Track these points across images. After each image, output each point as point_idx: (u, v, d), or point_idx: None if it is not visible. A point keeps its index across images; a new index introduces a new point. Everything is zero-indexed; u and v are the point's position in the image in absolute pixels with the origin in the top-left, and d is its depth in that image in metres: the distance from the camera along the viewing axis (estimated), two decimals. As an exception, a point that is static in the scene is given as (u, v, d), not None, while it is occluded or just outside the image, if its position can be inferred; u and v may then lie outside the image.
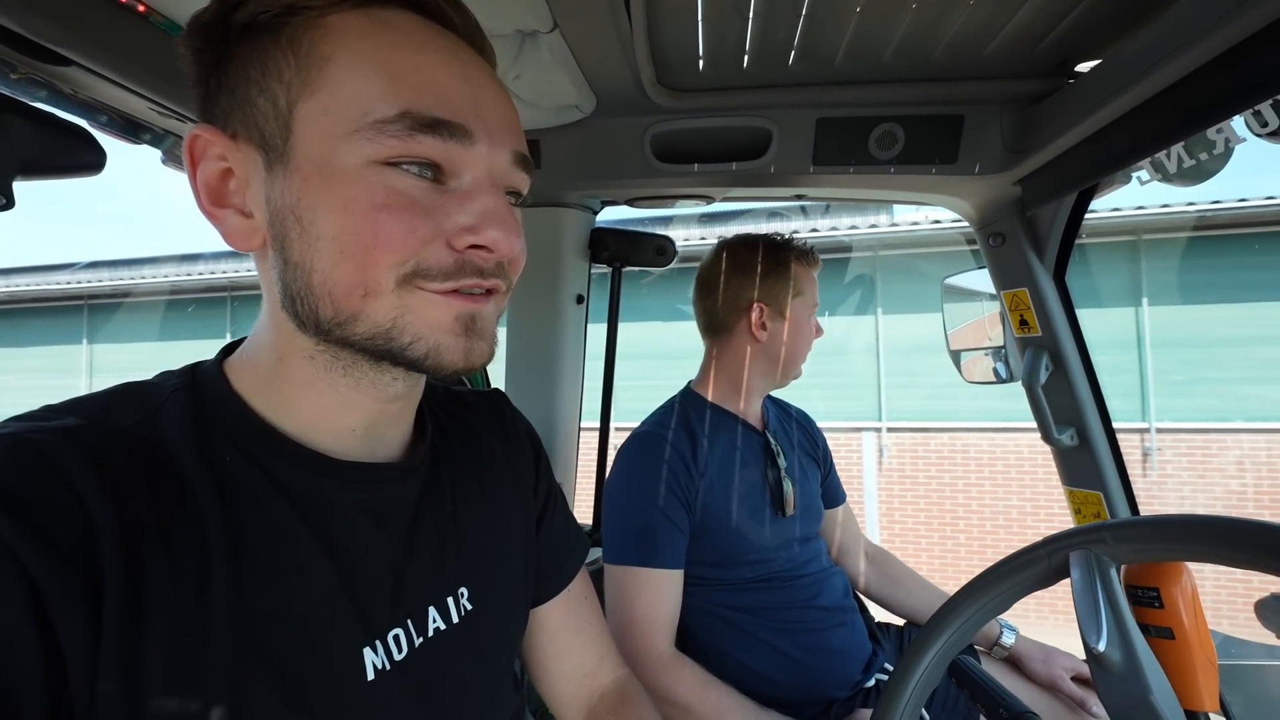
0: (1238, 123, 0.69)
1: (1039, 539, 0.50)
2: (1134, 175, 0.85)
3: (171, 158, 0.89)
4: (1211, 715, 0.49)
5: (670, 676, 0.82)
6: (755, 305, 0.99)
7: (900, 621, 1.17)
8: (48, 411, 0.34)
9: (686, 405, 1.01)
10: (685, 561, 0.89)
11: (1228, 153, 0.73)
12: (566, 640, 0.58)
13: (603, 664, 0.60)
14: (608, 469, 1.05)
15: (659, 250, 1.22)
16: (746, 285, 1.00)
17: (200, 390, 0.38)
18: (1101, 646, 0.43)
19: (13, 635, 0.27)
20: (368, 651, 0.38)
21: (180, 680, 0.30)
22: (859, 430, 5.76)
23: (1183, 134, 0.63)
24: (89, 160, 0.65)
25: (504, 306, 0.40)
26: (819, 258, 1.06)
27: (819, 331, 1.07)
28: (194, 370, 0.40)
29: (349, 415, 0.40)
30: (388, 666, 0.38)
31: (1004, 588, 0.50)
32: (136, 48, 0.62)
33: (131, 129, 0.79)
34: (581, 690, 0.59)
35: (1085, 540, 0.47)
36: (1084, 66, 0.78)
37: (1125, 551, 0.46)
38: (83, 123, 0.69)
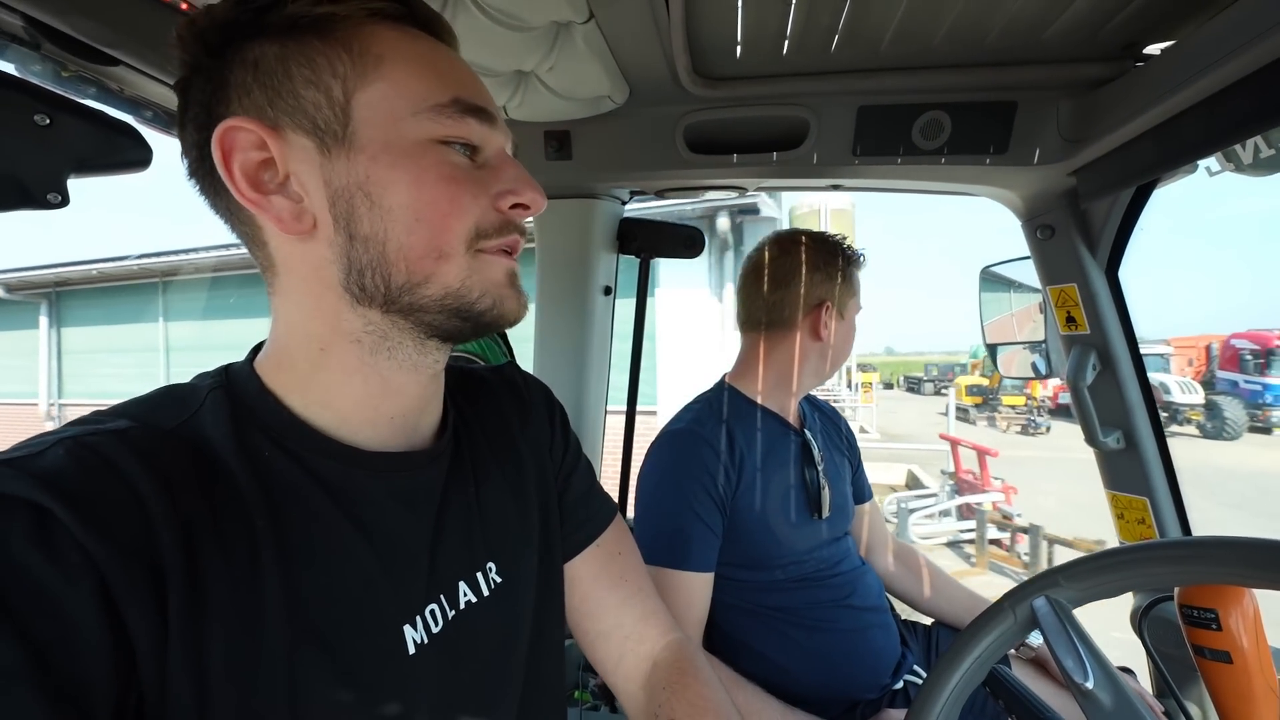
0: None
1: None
2: (1201, 166, 0.79)
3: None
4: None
5: None
6: (826, 303, 0.98)
7: (928, 621, 1.15)
8: (99, 416, 0.36)
9: (725, 402, 0.99)
10: (716, 563, 0.89)
11: (1311, 142, 0.68)
12: (599, 597, 0.56)
13: (647, 627, 0.56)
14: (633, 454, 1.05)
15: (688, 241, 1.20)
16: (821, 283, 0.98)
17: (235, 390, 0.40)
18: (1091, 685, 0.43)
19: (84, 624, 0.28)
20: (408, 628, 0.40)
21: (240, 662, 0.32)
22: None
23: (1265, 124, 0.58)
24: (136, 156, 0.66)
25: None
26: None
27: None
28: (227, 371, 0.42)
29: (389, 401, 0.42)
30: (426, 640, 0.41)
31: (979, 653, 0.49)
32: None
33: (173, 123, 0.81)
34: (627, 655, 0.55)
35: (1042, 587, 0.47)
36: (1154, 49, 0.73)
37: (1082, 590, 0.46)
38: (129, 119, 0.71)
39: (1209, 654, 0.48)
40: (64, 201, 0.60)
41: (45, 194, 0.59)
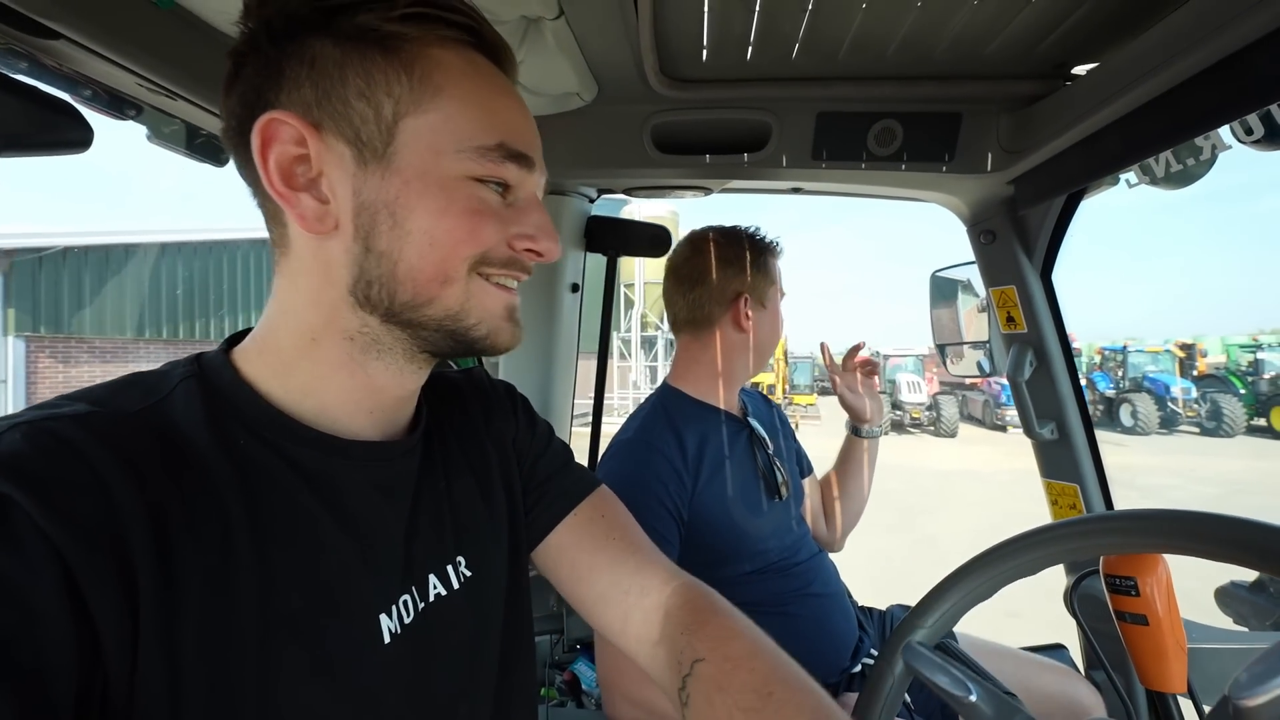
0: (1224, 131, 0.71)
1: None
2: (1122, 178, 0.87)
3: (158, 134, 0.86)
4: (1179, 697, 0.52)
5: (658, 688, 0.83)
6: (742, 296, 0.99)
7: (883, 607, 1.21)
8: (58, 401, 0.35)
9: (668, 404, 1.00)
10: (679, 566, 0.89)
11: (1213, 159, 0.76)
12: (587, 560, 0.53)
13: (646, 577, 0.52)
14: (600, 449, 1.06)
15: (654, 240, 1.22)
16: (734, 277, 1.00)
17: (208, 379, 0.39)
18: (973, 698, 0.47)
19: (47, 613, 0.27)
20: (384, 617, 0.40)
21: (213, 648, 0.32)
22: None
23: (1175, 139, 0.65)
24: (75, 137, 0.63)
25: None
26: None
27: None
28: (199, 360, 0.41)
29: (371, 398, 0.43)
30: (399, 630, 0.41)
31: (880, 710, 0.54)
32: (126, 22, 0.60)
33: (116, 104, 0.77)
34: (632, 612, 0.51)
35: (902, 637, 0.53)
36: (1081, 70, 0.80)
37: (932, 626, 0.53)
38: (66, 97, 0.67)
39: (1129, 618, 0.52)
40: None
41: None
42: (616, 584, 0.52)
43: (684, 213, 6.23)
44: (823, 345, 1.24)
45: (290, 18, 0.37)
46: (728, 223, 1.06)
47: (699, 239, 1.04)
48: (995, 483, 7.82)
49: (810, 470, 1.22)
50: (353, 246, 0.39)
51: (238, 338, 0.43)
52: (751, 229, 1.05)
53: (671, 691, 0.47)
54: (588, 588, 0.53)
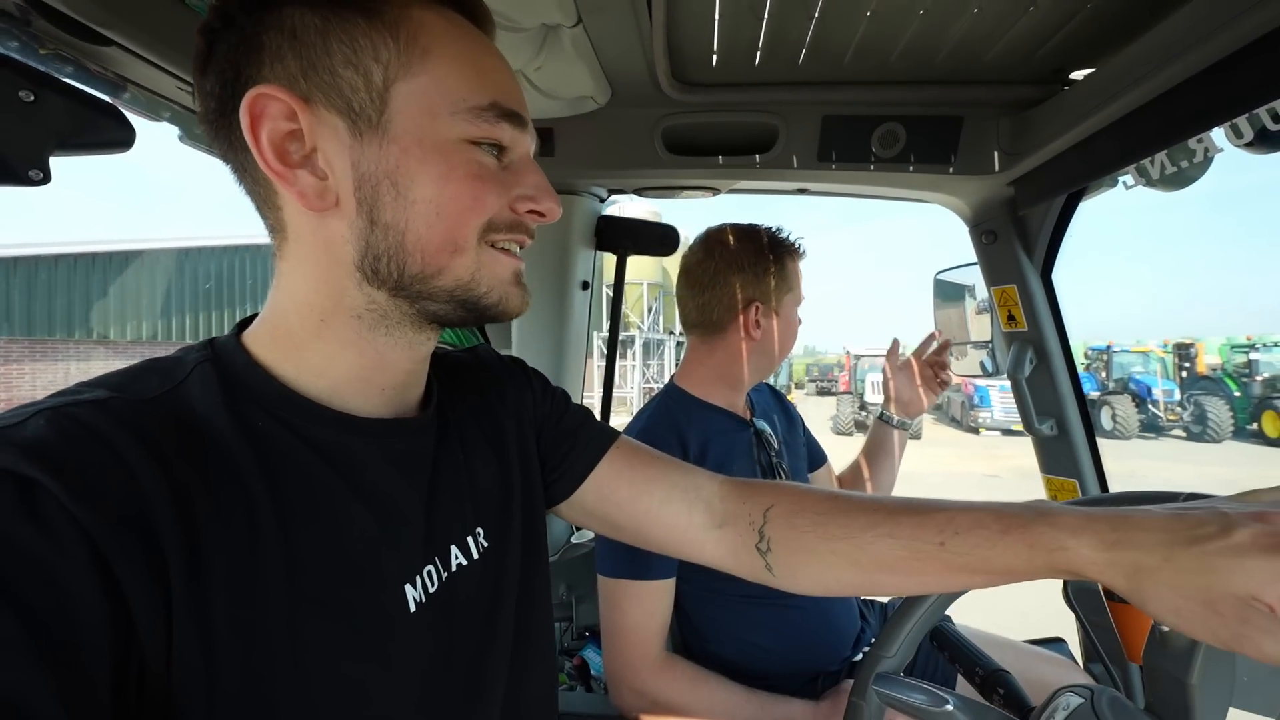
0: (1217, 134, 0.73)
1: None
2: (1120, 180, 0.90)
3: (190, 135, 0.90)
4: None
5: (663, 680, 0.84)
6: (753, 304, 0.96)
7: (884, 599, 1.23)
8: (77, 387, 0.35)
9: (673, 403, 0.98)
10: (679, 564, 0.88)
11: (1207, 161, 0.78)
12: (642, 476, 0.57)
13: (696, 476, 0.57)
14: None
15: (663, 239, 1.25)
16: (746, 284, 0.95)
17: (222, 363, 0.40)
18: (950, 707, 0.50)
19: (80, 593, 0.28)
20: (408, 587, 0.41)
21: (245, 623, 0.33)
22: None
23: (1167, 142, 0.67)
24: (119, 137, 0.66)
25: None
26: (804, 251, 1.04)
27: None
28: (212, 345, 0.41)
29: (381, 374, 0.43)
30: (424, 599, 0.42)
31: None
32: (170, 27, 0.64)
33: (153, 106, 0.81)
34: (696, 504, 0.56)
35: (870, 669, 0.54)
36: (1078, 74, 0.82)
37: (897, 653, 0.54)
38: (107, 98, 0.70)
39: (1117, 597, 0.55)
40: (45, 179, 0.60)
41: (27, 170, 0.58)
42: (675, 485, 0.57)
43: (665, 214, 6.21)
44: (895, 342, 1.20)
45: None
46: (713, 223, 1.01)
47: (714, 239, 0.99)
48: (923, 485, 7.25)
49: (823, 461, 1.21)
50: (356, 221, 0.38)
51: (247, 322, 0.43)
52: (774, 228, 0.99)
53: (749, 549, 0.53)
54: (648, 498, 0.56)
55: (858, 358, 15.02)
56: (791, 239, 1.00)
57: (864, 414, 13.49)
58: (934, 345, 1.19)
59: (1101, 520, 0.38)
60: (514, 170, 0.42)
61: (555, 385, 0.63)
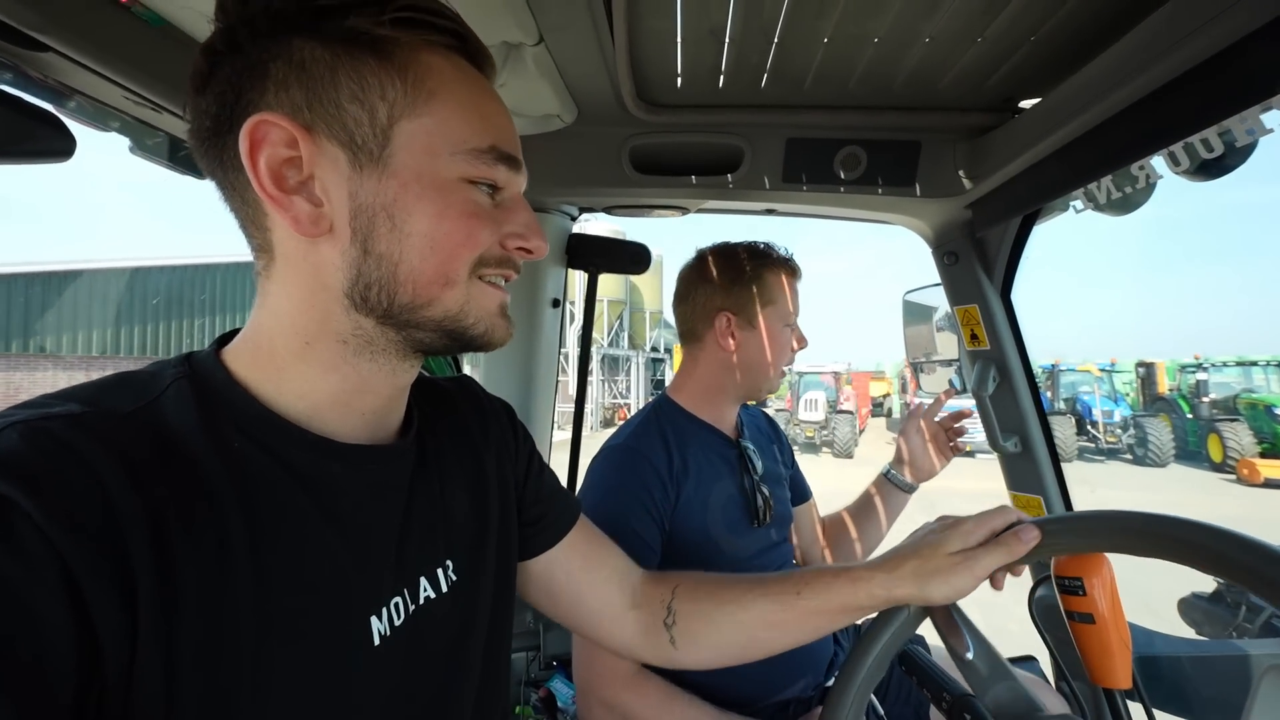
0: (1158, 161, 0.77)
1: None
2: (1070, 204, 0.93)
3: (141, 146, 0.87)
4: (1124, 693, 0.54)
5: (633, 694, 0.83)
6: (722, 314, 0.98)
7: (860, 621, 1.21)
8: (46, 400, 0.34)
9: (662, 415, 1.00)
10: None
11: (1149, 187, 0.81)
12: (586, 579, 0.62)
13: (630, 562, 0.66)
14: (580, 465, 1.06)
15: (635, 257, 1.25)
16: (715, 293, 0.99)
17: (200, 380, 0.39)
18: (970, 655, 0.53)
19: (46, 615, 0.27)
20: (374, 619, 0.40)
21: (208, 649, 0.32)
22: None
23: (1109, 168, 0.70)
24: (57, 146, 0.63)
25: None
26: (798, 266, 1.03)
27: (802, 342, 1.04)
28: (189, 360, 0.41)
29: (363, 398, 0.43)
30: (388, 633, 0.41)
31: (886, 640, 0.58)
32: (116, 37, 0.62)
33: (100, 116, 0.78)
34: (625, 586, 0.63)
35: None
36: (1027, 103, 0.86)
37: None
38: (49, 107, 0.68)
39: (1078, 617, 0.55)
40: None
41: None
42: (615, 567, 0.64)
43: (627, 233, 6.35)
44: (919, 404, 1.19)
45: (275, 17, 0.37)
46: (668, 243, 1.06)
47: (701, 254, 1.04)
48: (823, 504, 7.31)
49: (807, 497, 1.21)
50: (350, 249, 0.39)
51: (227, 338, 0.43)
52: (761, 245, 1.02)
53: (658, 626, 0.62)
54: (595, 573, 0.62)
55: (800, 375, 15.10)
56: (779, 253, 1.02)
57: (795, 430, 13.57)
58: (942, 408, 1.15)
59: (889, 560, 0.58)
60: (505, 208, 0.43)
61: (532, 442, 0.64)
